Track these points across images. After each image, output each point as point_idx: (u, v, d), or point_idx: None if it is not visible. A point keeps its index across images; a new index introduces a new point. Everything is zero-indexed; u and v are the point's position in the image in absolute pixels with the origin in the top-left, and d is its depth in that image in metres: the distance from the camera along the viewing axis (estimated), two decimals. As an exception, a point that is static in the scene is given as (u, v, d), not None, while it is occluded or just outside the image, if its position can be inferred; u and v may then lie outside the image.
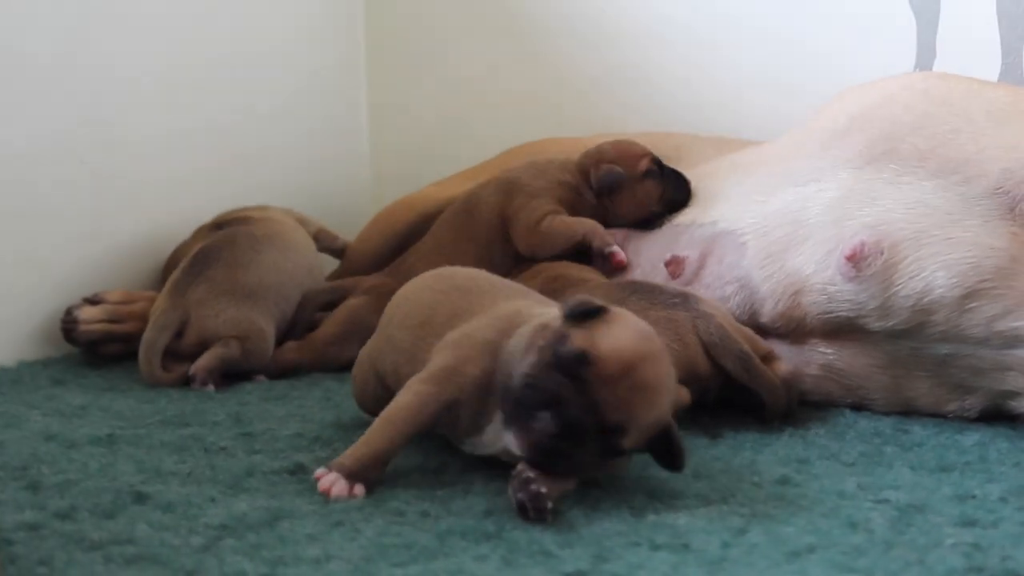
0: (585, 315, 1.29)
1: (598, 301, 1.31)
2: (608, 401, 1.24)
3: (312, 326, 2.08)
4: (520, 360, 1.29)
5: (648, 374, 1.26)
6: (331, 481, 1.31)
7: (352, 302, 2.05)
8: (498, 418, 1.31)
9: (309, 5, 2.64)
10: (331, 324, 2.04)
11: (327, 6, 2.68)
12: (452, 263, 1.92)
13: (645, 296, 1.68)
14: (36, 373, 1.96)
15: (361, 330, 1.96)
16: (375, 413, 1.48)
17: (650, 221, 2.01)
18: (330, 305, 2.09)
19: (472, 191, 2.07)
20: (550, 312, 1.35)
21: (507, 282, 1.54)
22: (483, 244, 2.00)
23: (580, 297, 1.32)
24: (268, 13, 2.53)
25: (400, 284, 1.99)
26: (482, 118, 2.64)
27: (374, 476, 1.33)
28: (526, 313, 1.37)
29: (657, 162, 2.02)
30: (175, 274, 2.00)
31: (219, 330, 1.92)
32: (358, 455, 1.32)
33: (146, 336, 1.91)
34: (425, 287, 1.52)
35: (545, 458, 1.25)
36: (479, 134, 2.58)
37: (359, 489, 1.31)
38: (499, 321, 1.36)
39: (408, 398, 1.33)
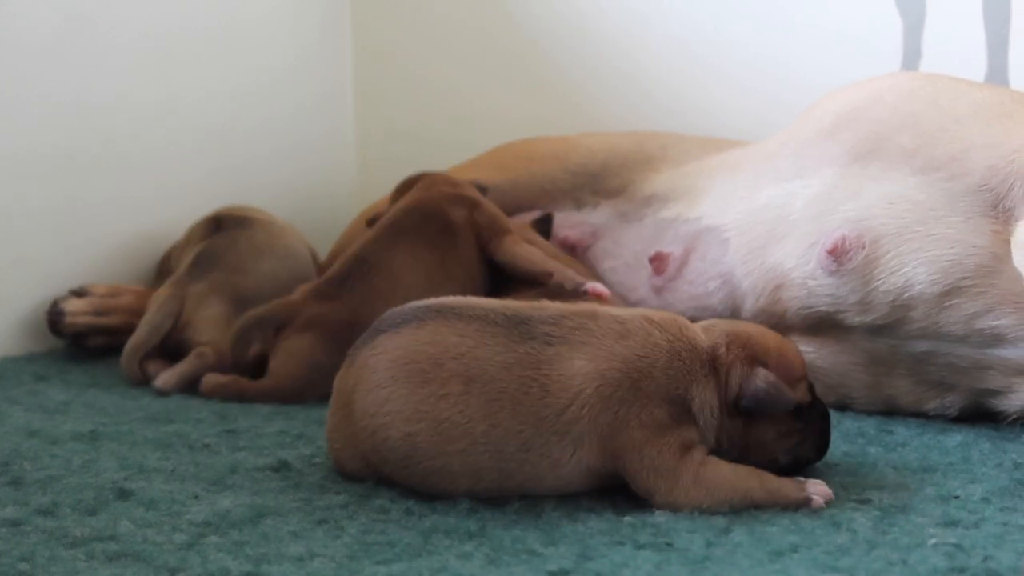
0: None
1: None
2: None
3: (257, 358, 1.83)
4: None
5: None
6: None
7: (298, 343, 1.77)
8: None
9: (295, 11, 2.63)
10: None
11: (312, 15, 2.67)
12: (439, 283, 1.74)
13: None
14: (19, 368, 1.95)
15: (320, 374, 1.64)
16: None
17: None
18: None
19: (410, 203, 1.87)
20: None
21: None
22: (468, 263, 1.86)
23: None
24: (254, 16, 2.53)
25: (353, 312, 1.70)
26: (470, 117, 2.64)
27: None
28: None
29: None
30: (178, 272, 1.96)
31: (200, 327, 1.89)
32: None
33: (141, 327, 1.88)
34: None
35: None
36: (467, 134, 2.58)
37: None
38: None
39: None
